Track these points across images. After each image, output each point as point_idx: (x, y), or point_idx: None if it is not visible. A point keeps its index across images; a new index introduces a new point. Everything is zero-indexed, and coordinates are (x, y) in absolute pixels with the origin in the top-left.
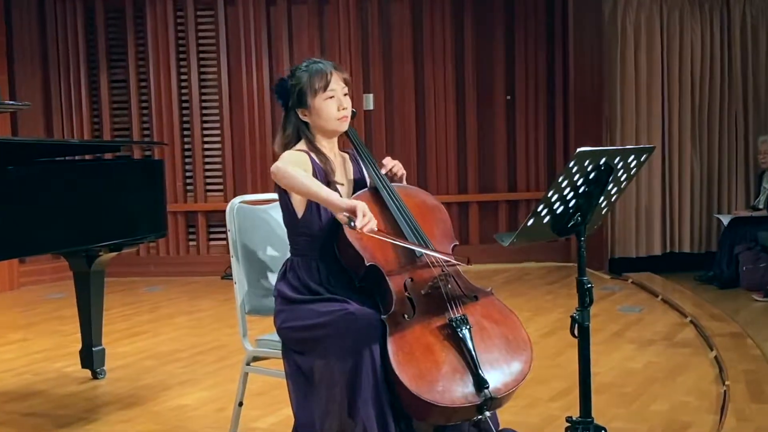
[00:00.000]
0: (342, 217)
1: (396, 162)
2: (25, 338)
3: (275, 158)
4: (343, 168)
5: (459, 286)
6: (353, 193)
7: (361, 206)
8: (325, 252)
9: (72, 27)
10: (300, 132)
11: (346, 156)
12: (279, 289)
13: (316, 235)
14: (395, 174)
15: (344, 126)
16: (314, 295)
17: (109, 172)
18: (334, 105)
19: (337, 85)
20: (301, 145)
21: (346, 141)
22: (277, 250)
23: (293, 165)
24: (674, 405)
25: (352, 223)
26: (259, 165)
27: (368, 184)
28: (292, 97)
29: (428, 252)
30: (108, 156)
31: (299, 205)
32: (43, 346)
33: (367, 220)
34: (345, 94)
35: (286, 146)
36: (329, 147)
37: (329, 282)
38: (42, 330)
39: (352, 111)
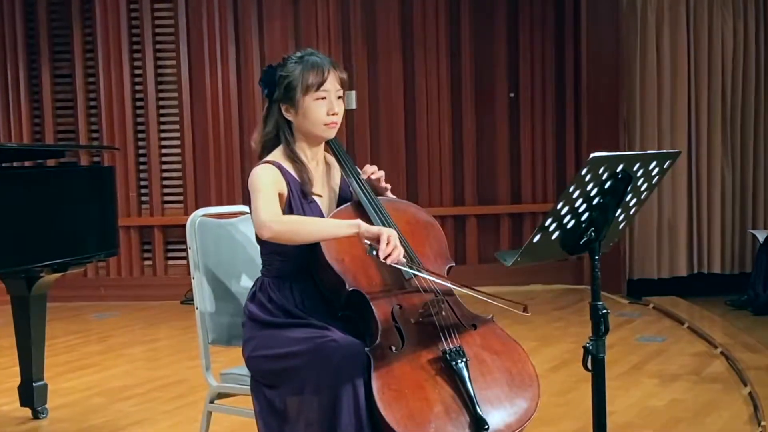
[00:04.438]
0: (364, 245)
1: (375, 168)
2: None
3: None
4: (326, 178)
5: (455, 313)
6: (336, 206)
7: (387, 232)
8: (301, 274)
9: (9, 14)
10: (280, 131)
11: (334, 163)
12: (249, 310)
13: (291, 255)
14: (377, 181)
15: (331, 133)
16: (290, 317)
17: (52, 181)
18: (323, 108)
19: (332, 85)
20: (277, 152)
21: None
22: (245, 271)
23: (269, 186)
24: None
25: (375, 252)
26: (224, 173)
27: (352, 197)
28: (278, 89)
29: (483, 297)
30: (51, 162)
31: None
32: None
33: (390, 248)
34: (339, 98)
35: (265, 145)
36: (311, 154)
37: (305, 306)
38: None
39: None
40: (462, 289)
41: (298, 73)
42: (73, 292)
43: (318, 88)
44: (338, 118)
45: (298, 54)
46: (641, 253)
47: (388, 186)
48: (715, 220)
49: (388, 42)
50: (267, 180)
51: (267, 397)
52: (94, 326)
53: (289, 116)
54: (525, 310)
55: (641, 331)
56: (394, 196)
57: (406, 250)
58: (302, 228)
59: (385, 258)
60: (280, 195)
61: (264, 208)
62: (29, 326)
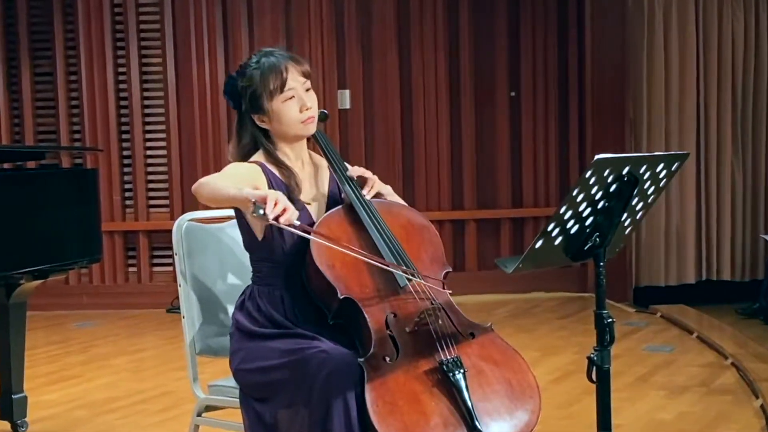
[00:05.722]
0: (248, 204)
1: (365, 170)
2: None
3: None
4: (314, 179)
5: (452, 321)
6: (327, 210)
7: (274, 194)
8: (291, 281)
9: None
10: (257, 142)
11: (321, 163)
12: (236, 320)
13: (280, 261)
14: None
15: (310, 129)
16: (279, 328)
17: (32, 184)
18: (295, 106)
19: (296, 81)
20: (259, 155)
21: (314, 146)
22: (234, 278)
23: (233, 178)
24: None
25: (261, 211)
26: None
27: (343, 199)
28: (243, 101)
29: (410, 276)
30: (30, 164)
31: (259, 227)
32: None
33: (280, 209)
34: (307, 90)
35: (242, 157)
36: (294, 156)
37: (295, 315)
38: None
39: (324, 113)
40: (392, 269)
41: (258, 80)
42: (54, 300)
43: (282, 89)
44: (313, 112)
45: (255, 59)
46: (648, 259)
47: (373, 182)
48: (725, 225)
49: (383, 38)
50: (237, 170)
51: (256, 410)
52: (75, 336)
53: (263, 125)
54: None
55: (648, 340)
56: (392, 191)
57: (403, 260)
58: (213, 186)
59: (276, 218)
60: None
61: (224, 170)
62: (8, 336)
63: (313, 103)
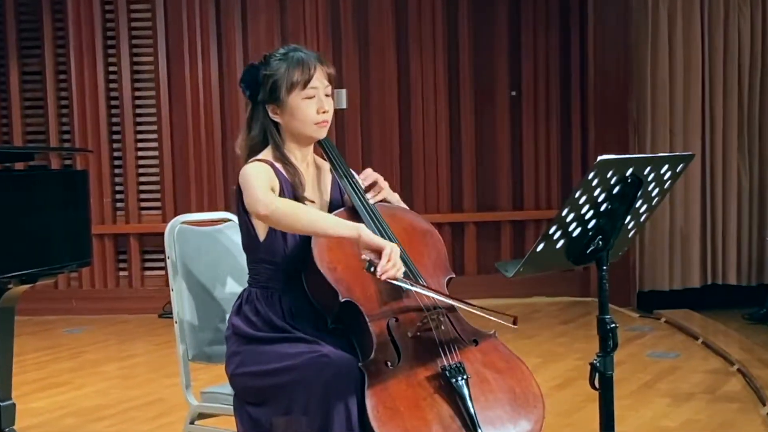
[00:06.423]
0: (363, 260)
1: (378, 176)
2: None
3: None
4: (316, 181)
5: (454, 327)
6: (328, 212)
7: (390, 248)
8: (291, 283)
9: None
10: (267, 134)
11: (325, 166)
12: (234, 324)
13: (280, 263)
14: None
15: (322, 133)
16: (278, 332)
17: (20, 186)
18: (313, 106)
19: (320, 82)
20: (267, 152)
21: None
22: (229, 282)
23: (264, 179)
24: None
25: (372, 269)
26: (205, 177)
27: (345, 202)
28: (262, 90)
29: (473, 309)
30: (19, 165)
31: (261, 226)
32: None
33: (390, 265)
34: (327, 95)
35: (251, 149)
36: (301, 156)
37: (293, 319)
38: None
39: None
40: (457, 304)
41: (284, 71)
42: (42, 305)
43: (305, 86)
44: (329, 116)
45: (282, 51)
46: (652, 263)
47: (383, 189)
48: (731, 228)
49: (381, 36)
50: (260, 172)
51: (252, 416)
52: (65, 341)
53: (276, 118)
54: (514, 322)
55: (652, 346)
56: (399, 200)
57: (407, 265)
58: (301, 212)
59: (382, 275)
60: (272, 191)
61: (261, 188)
62: None
63: (330, 108)
